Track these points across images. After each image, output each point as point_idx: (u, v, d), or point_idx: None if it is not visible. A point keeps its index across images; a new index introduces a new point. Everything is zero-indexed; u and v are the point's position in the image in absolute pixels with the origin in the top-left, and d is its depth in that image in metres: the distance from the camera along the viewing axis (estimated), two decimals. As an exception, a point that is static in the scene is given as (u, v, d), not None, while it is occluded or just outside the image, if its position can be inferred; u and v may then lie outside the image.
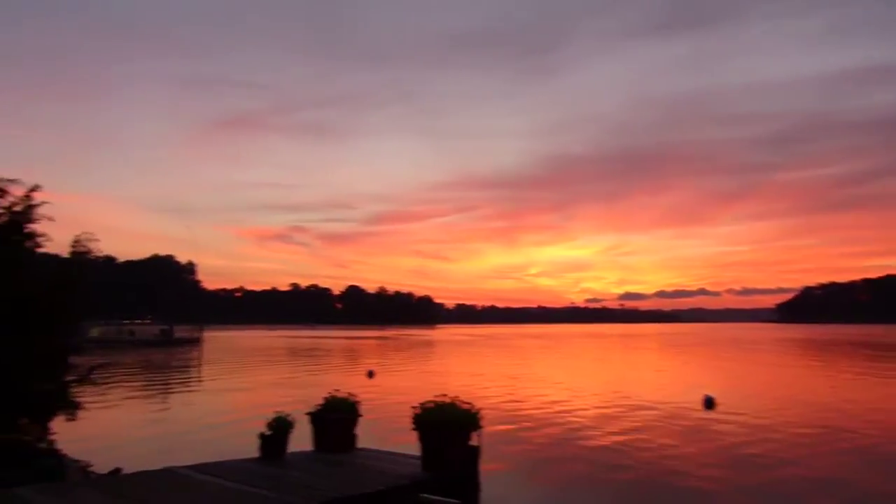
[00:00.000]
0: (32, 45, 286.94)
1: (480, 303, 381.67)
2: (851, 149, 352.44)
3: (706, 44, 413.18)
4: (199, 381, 28.33)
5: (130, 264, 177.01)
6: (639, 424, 15.20)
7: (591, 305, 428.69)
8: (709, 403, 18.08)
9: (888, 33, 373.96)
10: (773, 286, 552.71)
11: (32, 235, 7.94)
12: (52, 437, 7.88)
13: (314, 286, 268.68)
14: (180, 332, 66.22)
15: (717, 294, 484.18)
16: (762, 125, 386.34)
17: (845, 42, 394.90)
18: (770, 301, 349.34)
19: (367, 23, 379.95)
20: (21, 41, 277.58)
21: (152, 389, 23.77)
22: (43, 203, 7.98)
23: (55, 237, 8.25)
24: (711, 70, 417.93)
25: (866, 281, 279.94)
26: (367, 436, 9.63)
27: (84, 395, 8.15)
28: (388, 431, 12.39)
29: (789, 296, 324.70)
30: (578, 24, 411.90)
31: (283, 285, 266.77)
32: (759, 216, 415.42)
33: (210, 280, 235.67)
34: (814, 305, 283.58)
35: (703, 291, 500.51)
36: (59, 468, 7.40)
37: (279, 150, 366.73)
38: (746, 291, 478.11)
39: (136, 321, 72.58)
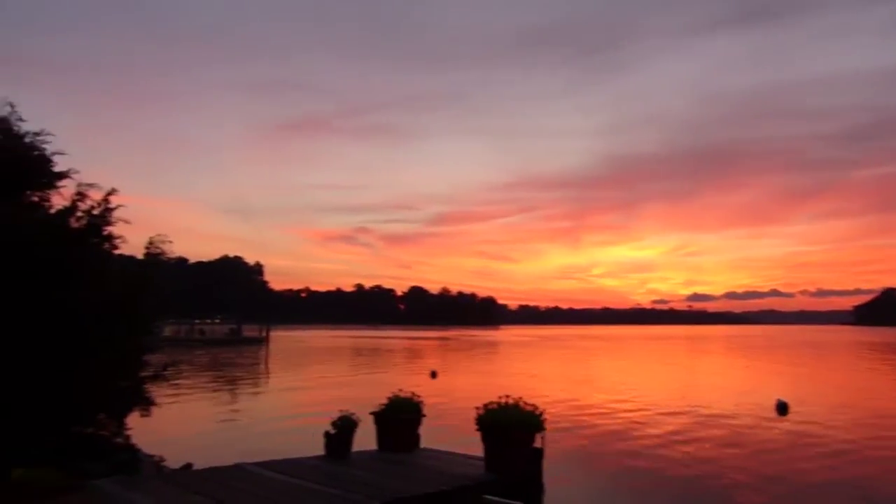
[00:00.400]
0: (108, 52, 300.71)
1: (544, 304, 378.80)
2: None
3: (776, 37, 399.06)
4: (266, 379, 29.02)
5: (201, 265, 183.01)
6: (707, 430, 14.72)
7: (658, 307, 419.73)
8: (782, 409, 17.40)
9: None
10: (849, 287, 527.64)
11: (110, 238, 8.23)
12: (128, 433, 8.17)
13: (378, 287, 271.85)
14: (248, 331, 67.98)
15: (790, 295, 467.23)
16: (837, 120, 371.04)
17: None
18: (846, 303, 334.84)
19: (431, 24, 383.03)
20: (97, 48, 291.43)
21: (221, 387, 24.47)
22: (119, 206, 8.27)
23: (130, 239, 8.55)
24: (782, 64, 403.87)
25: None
26: (430, 436, 9.62)
27: (157, 392, 8.42)
28: (451, 432, 12.37)
29: (867, 297, 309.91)
30: (643, 21, 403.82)
31: (348, 286, 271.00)
32: (834, 215, 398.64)
33: (276, 280, 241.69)
34: (893, 307, 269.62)
35: (775, 293, 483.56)
36: (134, 462, 7.67)
37: (344, 153, 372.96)
38: (821, 293, 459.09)
39: (206, 321, 74.84)
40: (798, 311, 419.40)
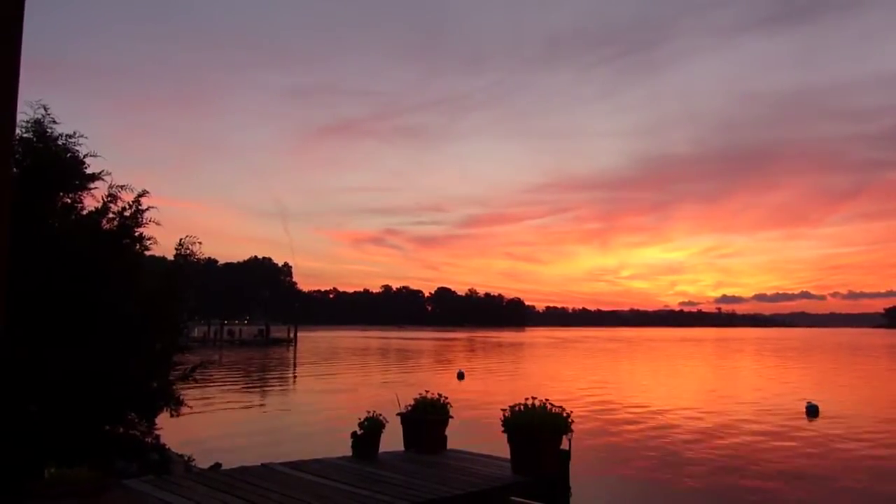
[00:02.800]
0: (146, 55, 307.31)
1: (571, 305, 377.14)
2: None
3: (814, 36, 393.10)
4: (294, 380, 29.26)
5: (230, 266, 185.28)
6: (736, 433, 14.50)
7: (686, 309, 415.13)
8: (812, 411, 17.08)
9: None
10: (882, 289, 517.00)
11: (141, 239, 8.35)
12: (158, 432, 8.27)
13: (405, 288, 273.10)
14: (276, 332, 68.66)
15: (821, 298, 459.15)
16: (875, 121, 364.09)
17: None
18: (879, 305, 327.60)
19: (466, 27, 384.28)
20: (136, 52, 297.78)
21: (249, 387, 24.72)
22: (150, 208, 8.39)
23: (162, 241, 8.66)
24: (820, 64, 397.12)
25: None
26: (457, 437, 9.60)
27: (185, 392, 8.52)
28: (478, 433, 12.34)
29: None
30: (680, 21, 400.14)
31: (375, 287, 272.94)
32: (870, 216, 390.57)
33: (305, 282, 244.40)
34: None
35: (805, 295, 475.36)
36: (164, 462, 7.76)
37: (377, 155, 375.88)
38: (853, 295, 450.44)
39: (235, 322, 75.77)
40: (829, 314, 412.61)
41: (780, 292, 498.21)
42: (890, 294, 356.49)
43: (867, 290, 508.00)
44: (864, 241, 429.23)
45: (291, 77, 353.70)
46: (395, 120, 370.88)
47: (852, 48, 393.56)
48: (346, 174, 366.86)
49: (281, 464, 7.81)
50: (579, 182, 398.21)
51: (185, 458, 8.50)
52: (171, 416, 8.21)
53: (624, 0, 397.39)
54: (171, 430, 8.94)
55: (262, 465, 7.78)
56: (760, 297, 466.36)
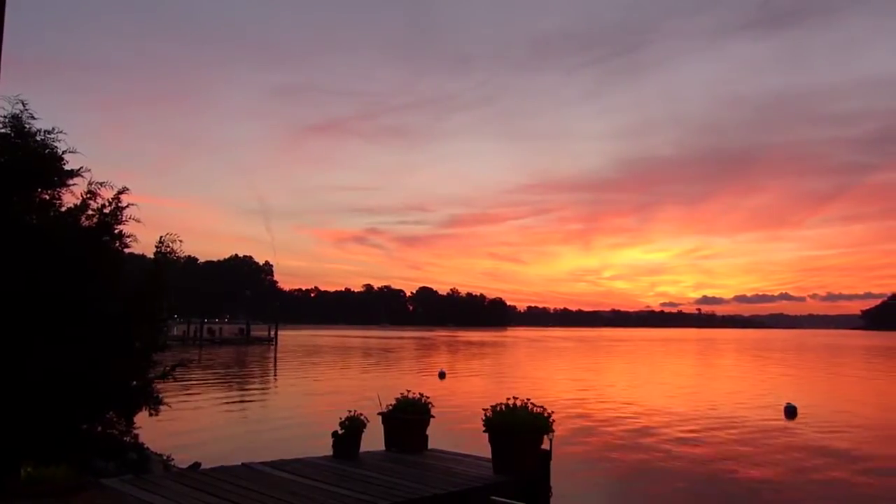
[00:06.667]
0: (131, 51, 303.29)
1: (553, 305, 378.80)
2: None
3: (798, 41, 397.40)
4: (274, 379, 29.10)
5: (210, 265, 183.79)
6: (716, 432, 14.66)
7: (667, 309, 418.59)
8: (790, 412, 17.32)
9: None
10: (860, 291, 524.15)
11: (121, 236, 8.26)
12: (136, 431, 8.20)
13: (387, 287, 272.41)
14: (257, 331, 68.25)
15: (800, 299, 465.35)
16: (856, 125, 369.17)
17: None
18: (856, 307, 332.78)
19: (453, 27, 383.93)
20: (121, 48, 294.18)
21: (229, 387, 24.56)
22: (130, 205, 8.30)
23: (144, 238, 8.58)
24: (803, 68, 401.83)
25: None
26: (438, 437, 9.61)
27: (165, 390, 8.45)
28: (459, 433, 12.36)
29: (877, 301, 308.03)
30: (664, 25, 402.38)
31: (357, 286, 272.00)
32: (850, 219, 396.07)
33: (287, 280, 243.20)
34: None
35: (785, 296, 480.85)
36: (142, 461, 7.69)
37: (362, 154, 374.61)
38: (832, 297, 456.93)
39: (215, 320, 75.22)
40: (807, 315, 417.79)
41: (760, 294, 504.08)
42: (867, 296, 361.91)
43: (845, 292, 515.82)
44: (843, 243, 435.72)
45: (278, 75, 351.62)
46: (381, 119, 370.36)
47: (835, 53, 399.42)
48: (330, 173, 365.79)
49: (261, 463, 7.78)
50: (563, 183, 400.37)
51: (164, 458, 8.43)
52: (150, 415, 8.15)
53: (610, 3, 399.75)
54: (150, 429, 8.86)
55: (243, 464, 7.74)
56: (740, 299, 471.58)
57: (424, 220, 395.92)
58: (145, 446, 8.18)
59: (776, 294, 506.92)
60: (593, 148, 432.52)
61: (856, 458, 12.24)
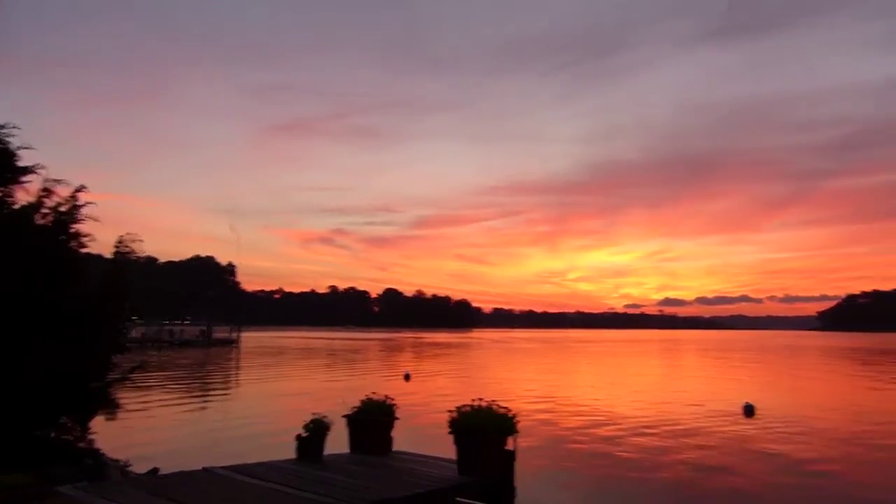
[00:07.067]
0: (96, 48, 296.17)
1: (519, 307, 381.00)
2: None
3: (762, 50, 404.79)
4: (236, 381, 28.70)
5: (171, 265, 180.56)
6: (674, 430, 14.89)
7: (630, 311, 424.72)
8: (749, 411, 17.69)
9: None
10: (816, 294, 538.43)
11: (77, 236, 8.06)
12: (92, 436, 7.99)
13: (352, 289, 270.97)
14: (219, 332, 67.22)
15: (759, 301, 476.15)
16: (816, 132, 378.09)
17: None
18: (812, 308, 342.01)
19: (426, 29, 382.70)
20: (85, 44, 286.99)
21: (189, 390, 24.14)
22: (88, 203, 8.10)
23: (102, 238, 8.37)
24: (767, 76, 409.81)
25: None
26: (403, 439, 9.57)
27: (123, 394, 8.26)
28: (424, 435, 12.33)
29: (832, 303, 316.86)
30: (634, 32, 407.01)
31: (323, 287, 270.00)
32: (807, 223, 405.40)
33: (251, 281, 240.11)
34: (857, 313, 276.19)
35: (744, 298, 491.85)
36: (99, 467, 7.50)
37: (331, 155, 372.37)
38: (789, 299, 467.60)
39: (176, 322, 73.89)
40: (766, 317, 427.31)
41: (721, 295, 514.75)
42: (823, 298, 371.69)
43: (802, 294, 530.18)
44: (801, 247, 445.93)
45: (250, 73, 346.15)
46: (351, 119, 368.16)
47: (797, 62, 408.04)
48: (299, 173, 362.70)
49: (223, 468, 7.65)
50: (531, 186, 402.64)
51: (121, 464, 8.23)
52: (107, 419, 7.96)
53: (582, 9, 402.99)
54: (107, 434, 8.66)
55: (204, 469, 7.60)
56: (702, 300, 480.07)
57: (392, 221, 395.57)
58: (101, 452, 7.98)
59: (736, 296, 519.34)
60: (562, 151, 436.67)
61: (808, 454, 12.55)
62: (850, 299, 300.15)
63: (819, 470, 11.30)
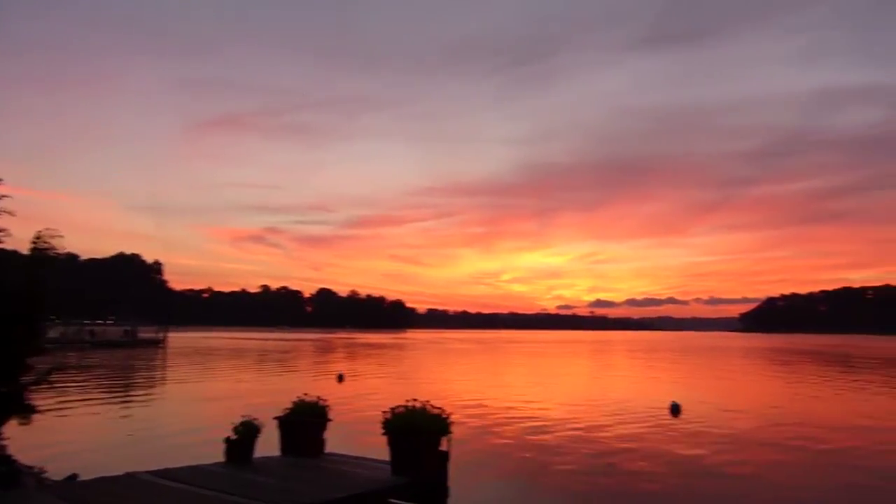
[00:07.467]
0: (25, 31, 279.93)
1: (453, 308, 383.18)
2: (824, 165, 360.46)
3: (693, 59, 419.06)
4: (162, 384, 27.78)
5: (94, 262, 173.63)
6: (605, 429, 15.24)
7: (562, 312, 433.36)
8: (675, 410, 18.26)
9: (858, 57, 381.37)
10: (738, 296, 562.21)
11: (-10, 231, 7.63)
12: (4, 443, 7.58)
13: (284, 288, 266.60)
14: (145, 333, 65.00)
15: (685, 303, 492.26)
16: (743, 140, 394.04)
17: (822, 63, 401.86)
18: (735, 310, 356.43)
19: (365, 29, 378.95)
20: (15, 27, 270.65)
21: (112, 392, 23.22)
22: (3, 197, 7.69)
23: (20, 234, 7.97)
24: (697, 85, 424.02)
25: (824, 293, 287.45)
26: (336, 440, 9.48)
27: (39, 398, 7.87)
28: (357, 436, 12.23)
29: (753, 306, 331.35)
30: (572, 37, 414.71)
31: (254, 287, 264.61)
32: (732, 228, 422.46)
33: (179, 280, 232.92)
34: (776, 315, 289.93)
35: (672, 300, 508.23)
36: (12, 474, 7.11)
37: (264, 152, 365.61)
38: (713, 301, 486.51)
39: (98, 321, 71.09)
40: (691, 318, 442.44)
41: (649, 297, 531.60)
42: (745, 300, 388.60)
43: (726, 297, 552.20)
44: (725, 251, 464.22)
45: (182, 66, 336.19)
46: (287, 117, 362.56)
47: (726, 72, 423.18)
48: (230, 170, 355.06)
49: (147, 472, 7.39)
50: (466, 187, 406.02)
51: (36, 471, 7.83)
52: (22, 424, 7.57)
53: (520, 13, 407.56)
54: (22, 440, 8.23)
55: (126, 474, 7.32)
56: (631, 302, 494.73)
57: (326, 221, 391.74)
58: (14, 459, 7.57)
59: (664, 298, 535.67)
60: (497, 153, 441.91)
61: (729, 446, 13.08)
62: (770, 302, 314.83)
63: (737, 463, 11.77)
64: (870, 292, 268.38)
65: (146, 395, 22.97)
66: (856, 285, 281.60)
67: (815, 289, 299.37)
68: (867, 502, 9.71)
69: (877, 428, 16.41)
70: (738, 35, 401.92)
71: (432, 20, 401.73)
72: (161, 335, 64.15)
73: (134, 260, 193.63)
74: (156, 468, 7.65)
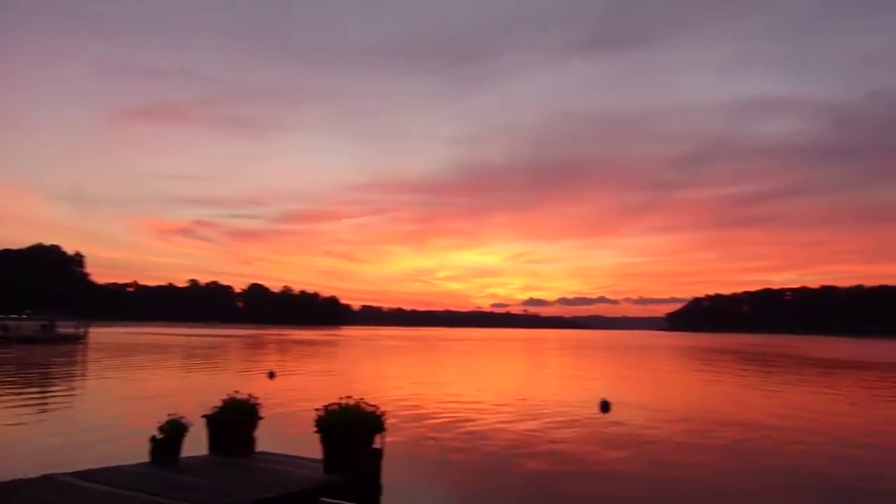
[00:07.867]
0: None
1: (388, 305, 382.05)
2: (748, 172, 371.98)
3: (630, 64, 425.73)
4: (83, 381, 26.66)
5: (9, 253, 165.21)
6: (537, 426, 15.52)
7: (496, 310, 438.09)
8: (604, 407, 18.73)
9: (785, 68, 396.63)
10: (666, 296, 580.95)
11: None
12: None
13: (214, 283, 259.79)
14: (64, 328, 62.24)
15: (615, 302, 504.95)
16: (673, 144, 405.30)
17: (750, 73, 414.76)
18: (662, 310, 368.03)
19: (304, 21, 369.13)
20: None
21: (27, 391, 22.13)
22: None
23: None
24: (632, 90, 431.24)
25: (747, 293, 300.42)
26: (267, 439, 9.31)
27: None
28: (290, 435, 12.06)
29: (679, 306, 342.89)
30: (509, 38, 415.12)
31: (182, 281, 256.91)
32: (659, 230, 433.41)
33: (102, 274, 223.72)
34: (701, 315, 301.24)
35: (602, 300, 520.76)
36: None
37: (198, 143, 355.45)
38: (642, 301, 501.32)
39: (13, 315, 67.72)
40: (621, 317, 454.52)
41: (581, 296, 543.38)
42: (672, 301, 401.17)
43: (654, 297, 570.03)
44: (654, 252, 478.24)
45: (109, 51, 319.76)
46: (220, 107, 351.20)
47: (658, 78, 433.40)
48: (160, 161, 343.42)
49: (66, 474, 7.09)
50: (401, 184, 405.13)
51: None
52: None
53: (461, 12, 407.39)
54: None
55: (43, 475, 7.01)
56: (563, 301, 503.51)
57: (259, 215, 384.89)
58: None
59: (595, 297, 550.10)
60: (432, 151, 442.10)
61: (654, 441, 13.53)
62: (695, 302, 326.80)
63: (666, 461, 12.18)
64: (789, 294, 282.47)
65: (65, 393, 21.98)
66: (776, 287, 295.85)
67: (739, 290, 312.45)
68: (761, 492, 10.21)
69: (784, 427, 17.24)
70: (674, 42, 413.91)
71: (375, 15, 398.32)
72: (82, 330, 61.54)
73: (53, 251, 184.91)
74: (75, 469, 7.35)
